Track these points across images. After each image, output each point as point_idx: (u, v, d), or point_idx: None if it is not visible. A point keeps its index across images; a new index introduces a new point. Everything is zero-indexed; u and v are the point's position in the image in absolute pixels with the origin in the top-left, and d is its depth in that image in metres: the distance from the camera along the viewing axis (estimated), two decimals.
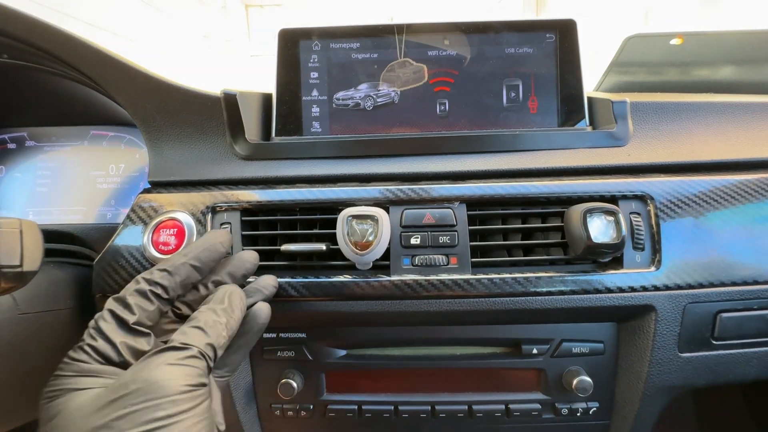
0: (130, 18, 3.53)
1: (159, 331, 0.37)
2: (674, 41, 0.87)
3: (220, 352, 0.34)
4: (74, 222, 0.66)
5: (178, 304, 0.39)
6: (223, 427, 0.37)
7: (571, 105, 0.57)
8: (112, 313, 0.33)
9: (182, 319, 0.37)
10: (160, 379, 0.28)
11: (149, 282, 0.35)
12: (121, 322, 0.33)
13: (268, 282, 0.44)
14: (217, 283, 0.40)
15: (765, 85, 0.91)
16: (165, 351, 0.31)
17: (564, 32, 0.56)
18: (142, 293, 0.34)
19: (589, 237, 0.44)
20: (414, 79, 0.57)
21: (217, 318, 0.35)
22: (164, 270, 0.36)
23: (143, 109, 0.52)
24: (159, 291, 0.35)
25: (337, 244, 0.46)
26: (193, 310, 0.37)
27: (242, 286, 0.43)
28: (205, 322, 0.34)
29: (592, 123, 0.57)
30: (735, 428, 0.85)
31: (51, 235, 0.58)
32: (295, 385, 0.50)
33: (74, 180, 0.69)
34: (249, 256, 0.44)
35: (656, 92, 0.90)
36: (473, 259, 0.48)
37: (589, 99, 0.57)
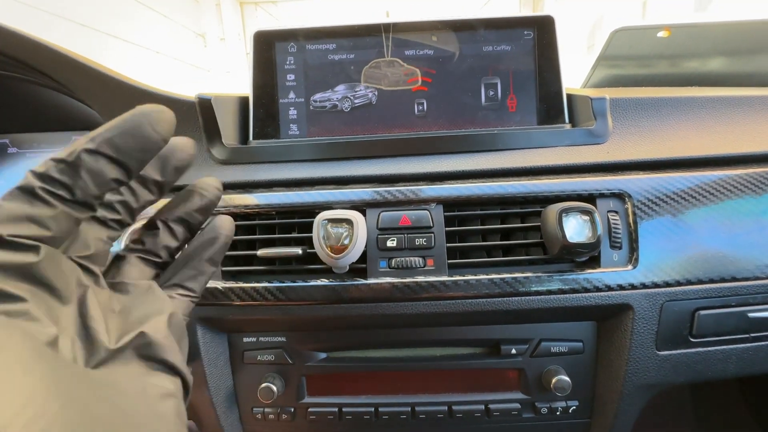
0: (124, 18, 3.52)
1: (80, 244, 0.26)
2: (661, 34, 0.86)
3: None
4: None
5: (104, 213, 0.26)
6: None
7: (550, 103, 0.56)
8: None
9: (106, 226, 0.27)
10: None
11: (41, 177, 0.22)
12: None
13: (208, 182, 0.32)
14: (144, 181, 0.27)
15: (755, 76, 0.90)
16: None
17: (542, 29, 0.56)
18: (28, 191, 0.22)
19: (564, 237, 0.44)
20: (396, 78, 0.57)
21: None
22: (62, 161, 0.22)
23: (117, 114, 0.52)
24: (60, 191, 0.22)
25: (314, 248, 0.46)
26: (132, 215, 0.28)
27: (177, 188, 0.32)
28: None
29: (571, 120, 0.57)
30: (732, 422, 0.85)
31: None
32: (275, 389, 0.50)
33: None
34: (180, 142, 0.28)
35: (645, 85, 0.90)
36: (450, 261, 0.48)
37: (569, 96, 0.57)
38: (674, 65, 0.93)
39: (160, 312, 0.27)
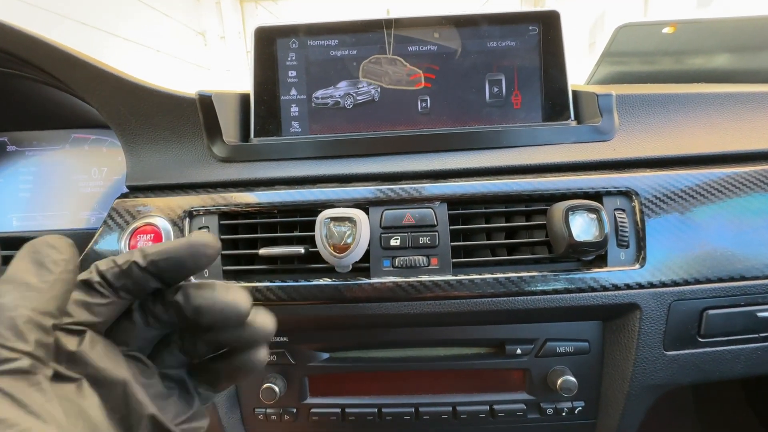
0: (124, 17, 3.51)
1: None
2: (666, 30, 0.85)
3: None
4: (57, 227, 0.66)
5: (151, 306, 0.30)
6: None
7: (555, 99, 0.55)
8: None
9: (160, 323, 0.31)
10: None
11: (100, 275, 0.28)
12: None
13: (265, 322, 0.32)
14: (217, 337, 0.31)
15: (761, 73, 0.89)
16: None
17: (547, 24, 0.55)
18: (87, 284, 0.27)
19: (571, 235, 0.43)
20: (398, 77, 0.56)
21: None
22: (118, 266, 0.28)
23: (117, 111, 0.51)
24: (107, 289, 0.27)
25: (317, 247, 0.45)
26: (165, 321, 0.30)
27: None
28: None
29: (577, 117, 0.56)
30: (735, 420, 0.85)
31: None
32: (277, 389, 0.49)
33: (57, 184, 0.68)
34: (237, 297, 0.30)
35: (650, 82, 0.89)
36: (455, 260, 0.47)
37: (575, 92, 0.56)
38: (679, 62, 0.92)
39: (192, 412, 0.31)
